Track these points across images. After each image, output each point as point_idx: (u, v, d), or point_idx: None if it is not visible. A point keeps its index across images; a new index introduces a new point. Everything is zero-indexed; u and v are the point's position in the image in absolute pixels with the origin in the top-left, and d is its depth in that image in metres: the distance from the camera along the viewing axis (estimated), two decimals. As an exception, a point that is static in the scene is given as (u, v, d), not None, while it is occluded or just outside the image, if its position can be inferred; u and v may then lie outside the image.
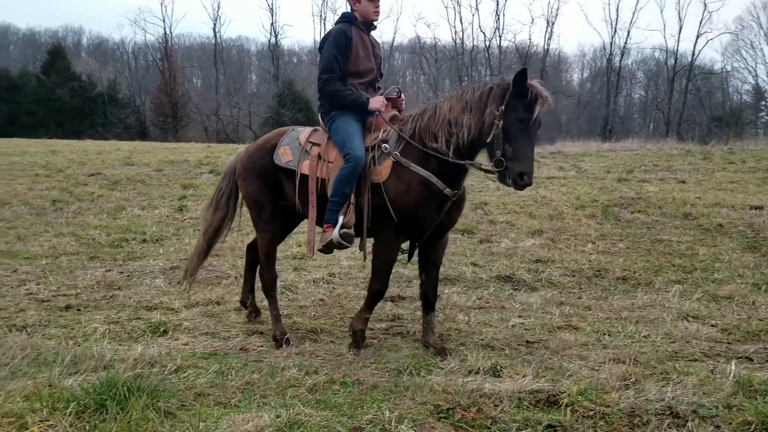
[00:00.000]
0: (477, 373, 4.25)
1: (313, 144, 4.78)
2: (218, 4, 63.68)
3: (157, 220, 11.17)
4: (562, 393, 3.82)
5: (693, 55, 54.28)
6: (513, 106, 4.11)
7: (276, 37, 58.08)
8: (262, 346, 4.84)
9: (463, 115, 4.30)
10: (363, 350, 4.68)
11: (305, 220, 4.91)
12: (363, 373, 4.23)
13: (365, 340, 4.79)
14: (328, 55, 4.66)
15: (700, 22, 58.69)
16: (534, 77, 4.19)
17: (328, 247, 4.62)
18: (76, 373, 4.01)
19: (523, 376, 4.14)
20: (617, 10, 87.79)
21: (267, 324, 5.39)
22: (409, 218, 4.44)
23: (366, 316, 4.76)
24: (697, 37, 53.66)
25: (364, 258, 4.82)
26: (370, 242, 4.73)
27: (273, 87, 53.42)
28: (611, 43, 56.35)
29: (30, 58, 64.37)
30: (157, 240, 9.35)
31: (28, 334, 4.89)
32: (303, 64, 68.94)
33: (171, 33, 60.12)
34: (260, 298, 5.62)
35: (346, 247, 4.57)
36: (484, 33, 65.89)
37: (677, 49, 55.77)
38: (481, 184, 14.71)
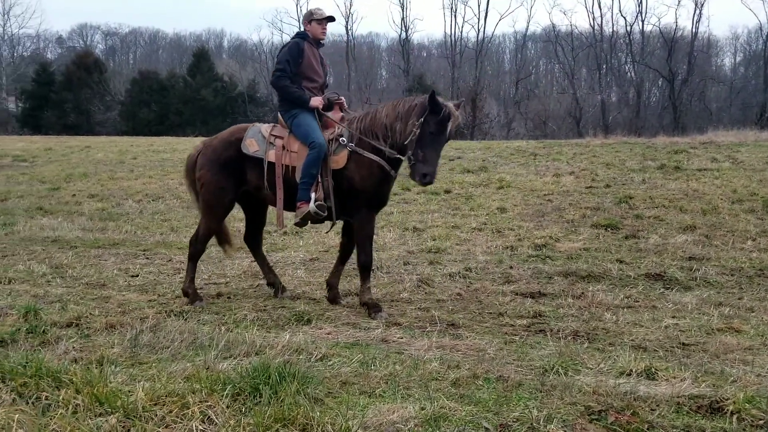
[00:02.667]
0: (629, 374, 4.01)
1: (276, 137, 5.74)
2: (350, 2, 65.32)
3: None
4: (727, 399, 3.51)
5: None
6: (428, 120, 5.22)
7: (406, 31, 58.48)
8: (402, 338, 4.84)
9: (396, 123, 5.43)
10: (381, 312, 5.43)
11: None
12: (506, 370, 4.11)
13: (378, 305, 5.55)
14: (282, 57, 5.78)
15: None
16: (454, 102, 5.43)
17: (304, 220, 5.67)
18: (229, 357, 4.20)
19: (681, 380, 3.85)
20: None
21: (406, 316, 5.41)
22: (374, 195, 5.56)
23: (367, 286, 5.68)
24: None
25: (332, 219, 5.70)
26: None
27: (403, 82, 53.83)
28: (768, 23, 51.49)
29: (177, 61, 68.83)
30: (297, 232, 9.67)
31: (185, 320, 5.20)
32: (433, 58, 69.01)
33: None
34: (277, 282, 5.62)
35: (321, 216, 5.55)
36: (624, 18, 62.36)
37: None
38: (624, 177, 14.00)
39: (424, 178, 5.24)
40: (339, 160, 5.53)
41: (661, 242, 8.34)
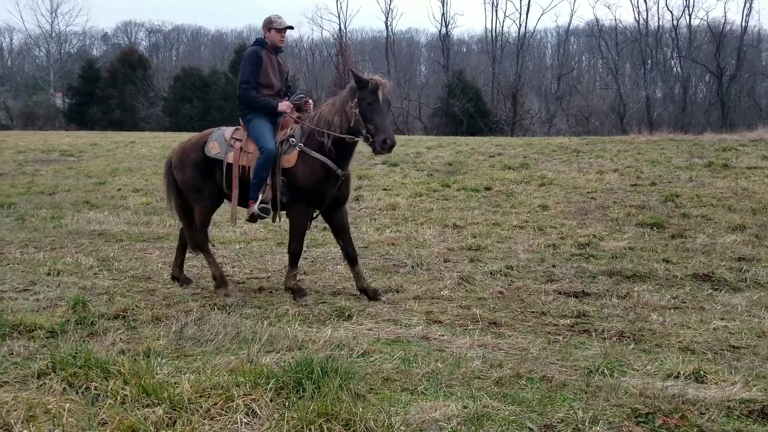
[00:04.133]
0: (677, 377, 3.91)
1: (236, 139, 6.08)
2: (390, -1, 65.27)
3: (336, 208, 11.62)
4: (779, 404, 3.40)
5: None
6: (362, 97, 5.57)
7: (446, 26, 58.26)
8: (443, 336, 4.82)
9: (335, 116, 5.75)
10: (305, 297, 5.79)
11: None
12: (550, 370, 4.06)
13: (302, 289, 5.92)
14: (244, 69, 6.10)
15: None
16: (378, 74, 5.79)
17: (252, 218, 6.02)
18: (272, 351, 4.24)
19: (731, 384, 3.75)
20: (830, -22, 77.36)
21: (446, 314, 5.38)
22: (314, 192, 5.84)
23: (293, 273, 6.01)
24: None
25: (274, 220, 6.13)
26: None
27: (442, 77, 53.57)
28: (822, 16, 49.72)
29: (218, 58, 69.60)
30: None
31: (228, 313, 5.26)
32: (473, 54, 68.55)
33: (345, 28, 62.58)
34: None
35: (265, 217, 5.95)
36: (671, 11, 61.18)
37: None
38: (670, 175, 13.69)
39: (384, 144, 5.47)
40: (290, 159, 5.84)
41: (709, 242, 8.12)
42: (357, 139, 5.74)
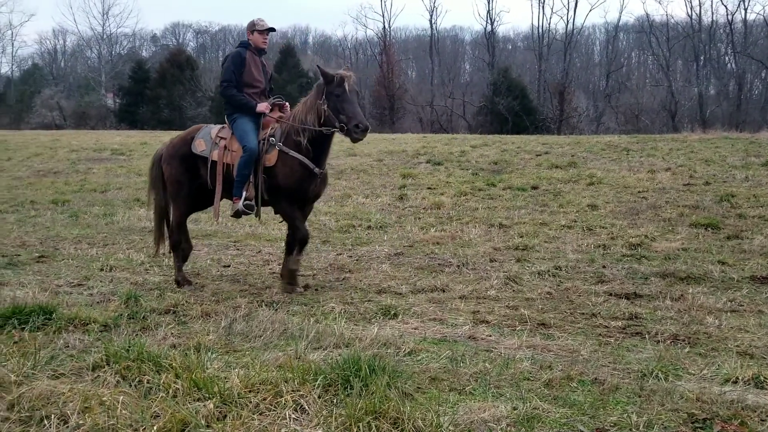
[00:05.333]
0: (735, 382, 3.78)
1: (221, 138, 6.26)
2: (435, -4, 64.84)
3: (380, 207, 11.64)
4: None
5: None
6: (329, 92, 5.82)
7: (492, 24, 57.71)
8: (490, 336, 4.76)
9: (307, 114, 5.98)
10: (298, 287, 6.04)
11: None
12: (602, 373, 3.97)
13: (297, 280, 6.14)
14: (227, 68, 6.34)
15: None
16: (342, 68, 5.99)
17: (236, 214, 6.23)
18: (319, 348, 4.25)
19: (794, 391, 3.60)
20: None
21: (494, 314, 5.32)
22: (295, 190, 6.05)
23: (299, 258, 6.24)
24: None
25: (257, 216, 6.33)
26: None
27: (487, 75, 53.09)
28: None
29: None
30: (381, 227, 9.73)
31: (275, 310, 5.30)
32: (518, 51, 67.80)
33: (389, 27, 62.60)
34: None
35: (248, 213, 6.14)
36: (726, 6, 59.52)
37: None
38: (725, 174, 13.27)
39: (357, 128, 5.72)
40: (270, 158, 6.05)
41: (767, 243, 7.83)
42: (333, 130, 5.93)
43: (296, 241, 6.19)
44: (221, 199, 6.30)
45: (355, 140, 5.90)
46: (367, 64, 65.75)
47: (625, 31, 64.75)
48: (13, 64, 68.22)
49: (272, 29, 6.46)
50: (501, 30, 78.50)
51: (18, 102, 54.76)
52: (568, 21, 55.36)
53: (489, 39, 57.71)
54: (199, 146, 6.35)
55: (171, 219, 6.69)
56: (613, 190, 12.51)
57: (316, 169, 6.03)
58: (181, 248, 6.59)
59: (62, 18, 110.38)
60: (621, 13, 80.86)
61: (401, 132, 37.83)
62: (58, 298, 5.53)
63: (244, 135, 6.11)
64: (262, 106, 6.22)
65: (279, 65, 53.83)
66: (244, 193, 6.05)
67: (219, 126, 6.50)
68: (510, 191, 12.86)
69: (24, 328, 4.55)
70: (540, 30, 56.76)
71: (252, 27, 6.44)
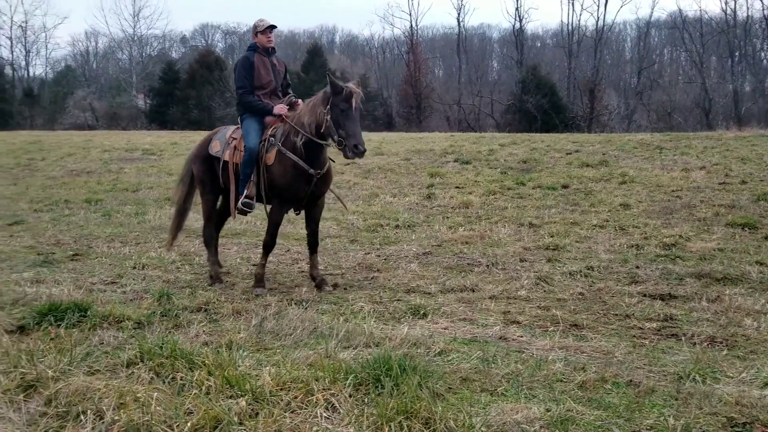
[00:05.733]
0: (775, 386, 3.68)
1: (233, 138, 6.49)
2: (463, -5, 64.40)
3: (408, 206, 11.61)
4: None
5: None
6: (335, 103, 5.77)
7: (520, 21, 57.25)
8: (521, 336, 4.71)
9: (306, 117, 6.02)
10: (264, 289, 6.08)
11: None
12: (637, 375, 3.90)
13: (264, 282, 6.21)
14: (239, 75, 6.48)
15: None
16: (353, 81, 6.02)
17: (238, 211, 6.40)
18: (349, 347, 4.25)
19: (838, 396, 3.49)
20: None
21: (525, 314, 5.26)
22: (287, 190, 6.10)
23: (263, 262, 6.31)
24: None
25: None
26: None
27: (516, 73, 52.69)
28: None
29: (291, 58, 70.60)
30: (409, 226, 9.70)
31: (305, 309, 5.31)
32: (547, 48, 67.13)
33: (416, 26, 62.47)
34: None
35: (248, 211, 6.37)
36: (761, 1, 57.92)
37: None
38: (762, 173, 12.98)
39: (356, 149, 5.66)
40: (270, 157, 6.16)
41: (806, 244, 7.64)
42: (327, 144, 6.03)
43: (263, 244, 6.37)
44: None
45: (348, 158, 5.85)
46: (394, 63, 65.70)
47: (657, 27, 63.79)
48: (47, 66, 69.71)
49: (273, 26, 6.56)
50: (529, 27, 77.86)
51: (52, 103, 55.82)
52: (598, 17, 54.73)
53: (518, 36, 57.24)
54: (215, 147, 6.60)
55: (203, 216, 6.93)
56: (646, 189, 12.31)
57: (311, 170, 6.03)
58: (213, 245, 6.84)
59: (94, 20, 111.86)
60: (653, 9, 79.64)
61: (428, 131, 37.78)
62: (93, 295, 5.60)
63: (246, 135, 6.31)
64: (278, 108, 6.32)
65: (306, 65, 54.10)
66: (245, 191, 6.24)
67: (234, 127, 6.71)
68: (540, 190, 12.74)
69: (60, 324, 4.62)
70: (570, 27, 56.22)
71: (255, 30, 6.64)
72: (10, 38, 62.53)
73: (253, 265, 7.31)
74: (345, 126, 5.71)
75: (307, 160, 6.02)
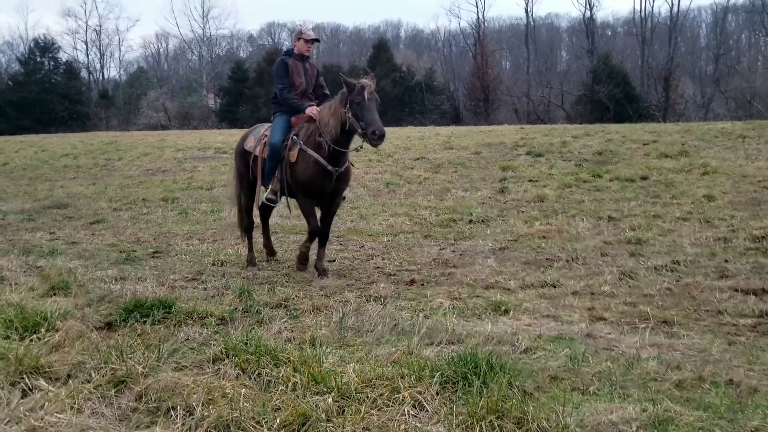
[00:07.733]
0: None
1: (266, 136, 6.99)
2: (530, -15, 63.17)
3: (481, 201, 11.45)
4: None
5: None
6: (352, 100, 6.17)
7: (591, 10, 55.72)
8: (609, 333, 4.54)
9: (330, 118, 6.39)
10: (304, 266, 6.71)
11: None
12: (736, 374, 3.70)
13: (306, 261, 6.75)
14: (278, 75, 6.93)
15: None
16: (365, 76, 6.36)
17: (264, 205, 7.15)
18: (431, 344, 4.18)
19: None
20: None
21: (610, 311, 5.08)
22: (309, 186, 6.57)
23: (308, 245, 6.76)
24: None
25: (290, 210, 7.67)
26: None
27: (587, 63, 51.28)
28: None
29: (356, 54, 70.89)
30: (482, 221, 9.56)
31: (383, 305, 5.28)
32: (619, 37, 65.06)
33: (483, 17, 61.67)
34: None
35: (272, 205, 7.17)
36: None
37: None
38: None
39: (375, 134, 6.00)
40: (293, 155, 6.61)
41: None
42: (346, 150, 6.48)
43: (308, 231, 6.78)
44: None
45: (374, 145, 6.19)
46: (460, 56, 65.09)
47: (734, 12, 60.86)
48: (120, 68, 72.30)
49: (317, 40, 7.13)
50: (599, 16, 75.68)
51: (126, 104, 57.98)
52: (672, 4, 52.70)
53: (588, 25, 55.75)
54: (249, 143, 7.23)
55: (242, 206, 7.51)
56: (731, 180, 11.74)
57: (330, 167, 6.44)
58: (249, 235, 7.45)
59: (165, 22, 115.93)
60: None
61: (496, 124, 37.21)
62: (175, 292, 5.71)
63: (272, 131, 6.88)
64: (310, 110, 6.68)
65: (372, 60, 54.21)
66: (270, 186, 6.81)
67: (268, 125, 7.17)
68: (617, 182, 12.34)
69: (145, 321, 4.68)
70: (642, 14, 54.36)
71: (299, 35, 7.11)
72: (86, 42, 65.24)
73: (329, 261, 7.36)
74: (363, 117, 6.08)
75: (329, 158, 6.43)
